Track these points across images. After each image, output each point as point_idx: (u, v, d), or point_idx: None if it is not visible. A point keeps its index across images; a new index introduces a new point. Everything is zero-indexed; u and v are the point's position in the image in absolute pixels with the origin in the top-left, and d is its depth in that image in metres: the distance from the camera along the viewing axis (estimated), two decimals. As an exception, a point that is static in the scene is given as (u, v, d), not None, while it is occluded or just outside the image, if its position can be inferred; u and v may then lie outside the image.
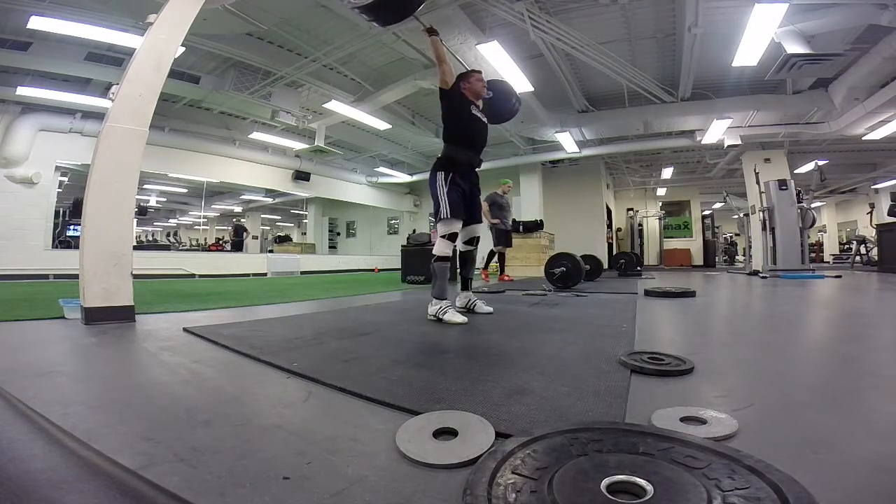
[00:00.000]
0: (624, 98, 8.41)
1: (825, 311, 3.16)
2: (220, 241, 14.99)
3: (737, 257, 17.71)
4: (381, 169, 13.72)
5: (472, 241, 3.06)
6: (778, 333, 2.23)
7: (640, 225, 15.77)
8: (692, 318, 2.84)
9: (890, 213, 9.08)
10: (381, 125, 9.15)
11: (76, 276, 2.54)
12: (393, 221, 16.95)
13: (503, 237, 6.97)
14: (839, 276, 6.84)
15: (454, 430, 0.91)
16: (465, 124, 2.86)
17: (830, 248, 18.38)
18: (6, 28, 5.85)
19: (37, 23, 5.25)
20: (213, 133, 10.20)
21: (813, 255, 13.04)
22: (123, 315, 2.54)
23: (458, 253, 3.12)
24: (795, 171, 10.59)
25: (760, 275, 7.68)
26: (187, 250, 13.86)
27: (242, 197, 15.62)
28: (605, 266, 9.81)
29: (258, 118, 9.67)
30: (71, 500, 0.32)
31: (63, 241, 9.10)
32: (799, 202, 8.04)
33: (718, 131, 8.69)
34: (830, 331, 2.40)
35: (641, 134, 9.84)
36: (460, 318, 2.51)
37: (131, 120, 2.68)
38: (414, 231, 10.58)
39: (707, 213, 16.64)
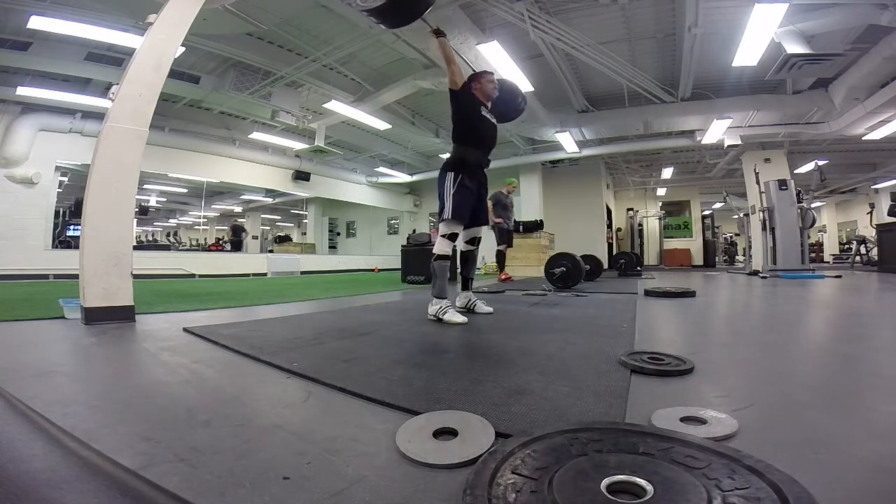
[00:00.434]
0: (624, 98, 8.41)
1: (825, 312, 3.15)
2: (220, 241, 14.99)
3: (737, 257, 17.70)
4: (381, 169, 13.72)
5: (474, 241, 3.07)
6: (778, 333, 2.23)
7: (640, 225, 15.76)
8: (692, 319, 2.84)
9: (890, 213, 9.08)
10: (381, 125, 9.15)
11: (76, 276, 2.54)
12: (393, 221, 16.95)
13: (506, 236, 6.95)
14: (839, 276, 6.84)
15: (454, 430, 0.91)
16: (476, 125, 2.87)
17: (830, 248, 18.38)
18: (6, 28, 5.85)
19: (37, 23, 5.25)
20: (213, 133, 10.20)
21: (813, 255, 13.04)
22: (123, 315, 2.54)
23: (459, 253, 3.13)
24: (795, 171, 10.59)
25: (760, 275, 7.68)
26: (187, 250, 13.86)
27: (242, 197, 15.62)
28: (605, 266, 9.81)
29: (258, 118, 9.67)
30: (71, 500, 0.32)
31: (63, 241, 9.10)
32: (799, 202, 8.04)
33: (718, 131, 8.69)
34: (830, 331, 2.40)
35: (641, 134, 9.83)
36: (460, 318, 2.51)
37: (131, 120, 2.68)
38: (414, 231, 10.59)
39: (707, 213, 16.64)
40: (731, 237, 19.36)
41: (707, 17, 5.61)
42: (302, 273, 11.55)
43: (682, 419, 0.95)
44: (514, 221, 7.45)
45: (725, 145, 9.42)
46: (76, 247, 2.76)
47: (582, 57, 6.46)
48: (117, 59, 6.58)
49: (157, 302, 3.66)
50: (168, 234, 17.71)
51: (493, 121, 2.98)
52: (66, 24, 5.33)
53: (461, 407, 1.07)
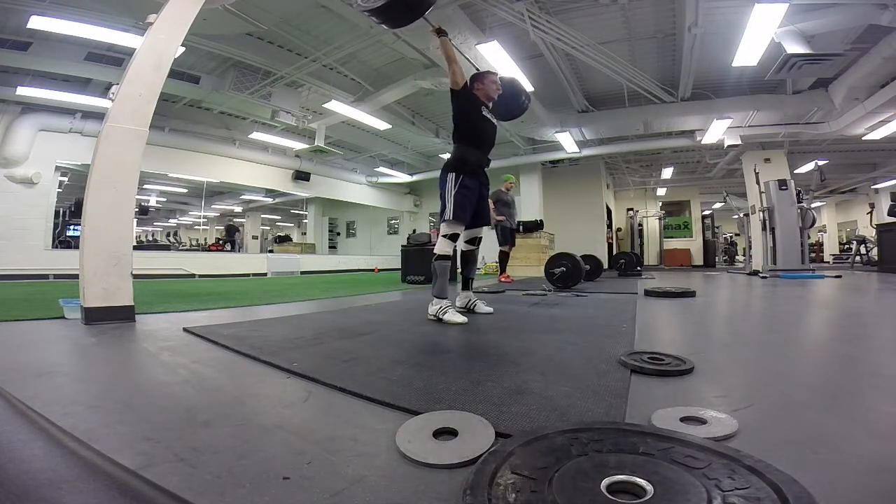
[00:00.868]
0: (624, 98, 8.41)
1: (825, 311, 3.15)
2: (220, 241, 14.99)
3: (737, 257, 17.70)
4: (381, 169, 13.72)
5: (474, 241, 3.07)
6: (778, 333, 2.23)
7: (640, 225, 15.77)
8: (692, 318, 2.84)
9: (890, 213, 9.08)
10: (381, 125, 9.15)
11: (76, 276, 2.54)
12: (393, 221, 16.95)
13: (509, 236, 6.85)
14: (839, 276, 6.84)
15: (454, 430, 0.91)
16: (476, 125, 2.87)
17: (830, 248, 18.38)
18: (6, 28, 5.85)
19: (37, 22, 5.25)
20: (213, 133, 10.20)
21: (813, 255, 13.04)
22: (123, 315, 2.54)
23: (460, 253, 3.14)
24: (795, 171, 10.59)
25: (760, 275, 7.68)
26: (187, 250, 13.86)
27: (242, 197, 15.62)
28: (605, 266, 9.81)
29: (258, 118, 9.67)
30: (71, 500, 0.32)
31: (63, 241, 9.10)
32: (799, 202, 8.03)
33: (718, 131, 8.69)
34: (830, 331, 2.40)
35: (641, 134, 9.84)
36: (460, 319, 2.51)
37: (131, 120, 2.68)
38: (414, 231, 10.58)
39: (707, 213, 16.64)
40: (731, 237, 19.37)
41: (707, 17, 5.61)
42: (302, 273, 11.55)
43: (682, 419, 0.95)
44: (517, 222, 7.39)
45: (725, 145, 9.42)
46: (76, 247, 2.76)
47: (582, 57, 6.46)
48: (117, 59, 6.58)
49: (157, 302, 3.66)
50: (168, 235, 17.72)
51: (494, 121, 2.98)
52: (66, 24, 5.33)
53: (461, 407, 1.07)
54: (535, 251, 9.12)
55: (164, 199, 15.19)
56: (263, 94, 8.04)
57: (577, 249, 6.03)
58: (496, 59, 5.95)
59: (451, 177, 2.77)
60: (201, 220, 16.55)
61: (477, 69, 3.14)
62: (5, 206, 7.47)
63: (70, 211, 9.73)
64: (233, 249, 13.70)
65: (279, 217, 19.24)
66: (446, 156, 3.43)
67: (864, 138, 8.81)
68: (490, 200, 6.43)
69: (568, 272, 5.02)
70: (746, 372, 1.50)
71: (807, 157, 10.73)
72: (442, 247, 2.78)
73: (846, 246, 16.05)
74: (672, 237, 16.10)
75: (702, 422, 0.94)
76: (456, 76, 2.80)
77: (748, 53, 5.63)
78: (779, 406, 1.10)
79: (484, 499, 0.61)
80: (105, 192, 2.58)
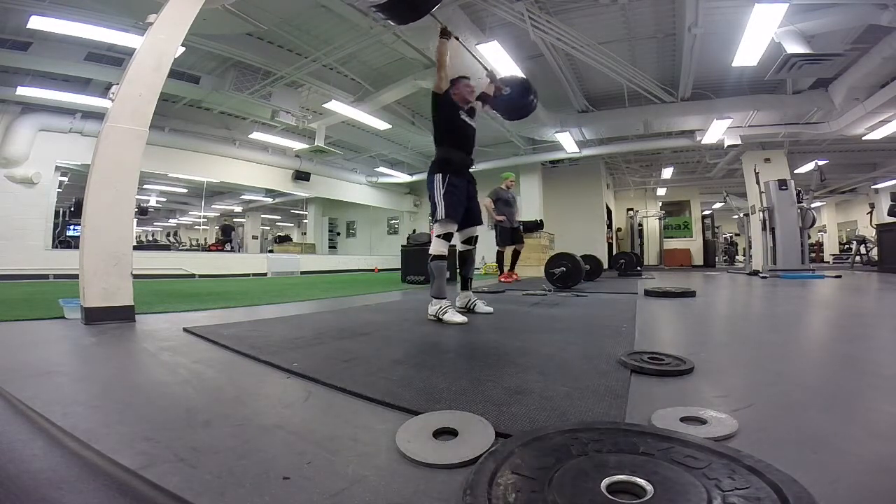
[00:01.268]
0: (624, 98, 8.41)
1: (825, 312, 3.15)
2: (220, 241, 14.99)
3: (737, 257, 17.70)
4: (381, 169, 13.72)
5: (471, 241, 3.08)
6: (778, 333, 2.23)
7: (640, 225, 15.76)
8: (692, 319, 2.84)
9: (890, 213, 9.08)
10: (381, 125, 9.15)
11: (76, 276, 2.54)
12: (393, 221, 16.95)
13: (507, 236, 6.68)
14: (839, 276, 6.84)
15: (454, 430, 0.91)
16: (457, 127, 2.91)
17: (830, 248, 18.38)
18: (6, 28, 5.85)
19: (37, 23, 5.25)
20: (213, 133, 10.20)
21: (813, 255, 13.03)
22: (123, 315, 2.54)
23: (457, 253, 3.15)
24: (795, 171, 10.58)
25: (760, 275, 7.68)
26: (187, 250, 13.86)
27: (242, 197, 15.62)
28: (605, 266, 9.81)
29: (258, 118, 9.67)
30: (71, 500, 0.32)
31: (63, 241, 9.10)
32: (799, 202, 8.03)
33: (718, 131, 8.69)
34: (830, 331, 2.40)
35: (641, 134, 9.83)
36: (460, 318, 2.52)
37: (131, 120, 2.68)
38: (414, 231, 10.58)
39: (707, 213, 16.64)
40: (731, 237, 19.37)
41: (707, 17, 5.60)
42: (302, 273, 11.55)
43: (682, 419, 0.96)
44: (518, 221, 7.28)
45: (725, 145, 9.42)
46: (76, 247, 2.76)
47: (582, 57, 6.46)
48: (117, 59, 6.58)
49: (156, 302, 3.66)
50: (168, 235, 17.71)
51: (473, 125, 3.00)
52: (66, 24, 5.33)
53: (461, 407, 1.07)
54: (535, 251, 9.12)
55: (164, 199, 15.19)
56: (263, 94, 8.04)
57: (577, 249, 6.03)
58: (496, 59, 5.95)
59: (438, 177, 2.80)
60: (201, 221, 16.55)
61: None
62: (5, 206, 7.47)
63: (70, 211, 9.73)
64: (229, 249, 13.68)
65: (279, 217, 19.23)
66: None
67: (864, 138, 8.81)
68: (490, 199, 6.44)
69: (568, 272, 5.02)
70: (746, 372, 1.50)
71: (807, 157, 10.73)
72: (437, 247, 2.80)
73: (846, 246, 16.04)
74: (672, 237, 16.10)
75: (702, 422, 0.94)
76: (441, 81, 2.84)
77: (748, 53, 5.63)
78: (779, 406, 1.10)
79: (484, 499, 0.61)
80: (105, 192, 2.58)
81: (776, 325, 2.50)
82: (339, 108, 8.16)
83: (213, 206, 16.42)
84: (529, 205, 11.73)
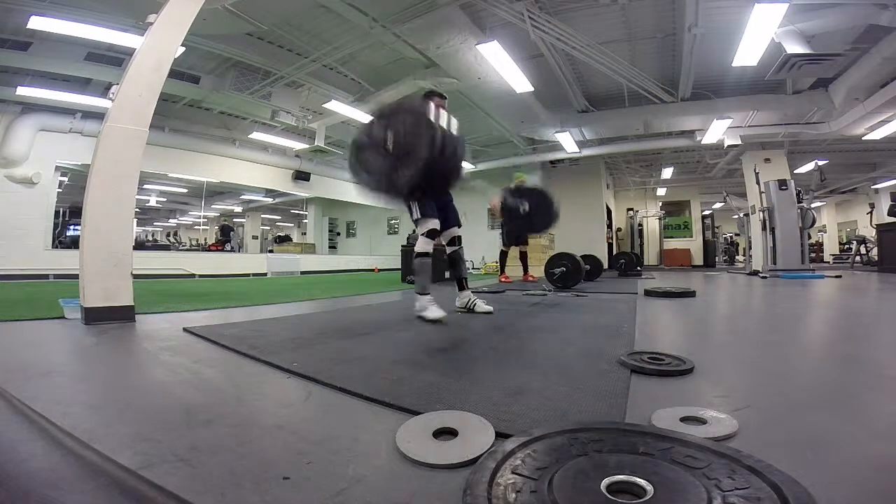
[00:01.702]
0: (624, 98, 8.41)
1: (825, 311, 3.15)
2: (219, 242, 14.98)
3: (737, 257, 17.70)
4: (382, 169, 13.69)
5: (455, 241, 3.08)
6: (778, 333, 2.23)
7: (640, 225, 15.75)
8: (692, 318, 2.84)
9: (890, 213, 9.07)
10: (382, 125, 9.14)
11: (76, 276, 2.54)
12: (393, 222, 16.94)
13: (512, 236, 6.60)
14: (839, 276, 6.84)
15: (454, 430, 0.91)
16: None
17: (830, 248, 18.37)
18: (6, 28, 5.85)
19: (37, 23, 5.25)
20: (213, 133, 10.20)
21: (813, 255, 13.03)
22: (123, 315, 2.54)
23: (447, 256, 3.17)
24: (795, 171, 10.58)
25: (760, 275, 7.68)
26: (187, 250, 13.85)
27: (242, 197, 15.61)
28: (606, 266, 9.81)
29: (258, 118, 9.67)
30: (71, 500, 0.33)
31: (63, 242, 9.10)
32: (799, 202, 8.03)
33: (718, 131, 8.69)
34: (830, 331, 2.40)
35: (641, 134, 9.83)
36: (438, 314, 2.55)
37: (131, 120, 2.68)
38: (414, 231, 10.56)
39: (707, 213, 16.63)
40: (731, 237, 19.36)
41: (707, 17, 5.60)
42: (302, 273, 11.55)
43: (682, 419, 0.95)
44: None
45: (725, 145, 9.42)
46: (76, 247, 2.75)
47: (582, 57, 6.46)
48: (117, 59, 6.57)
49: (157, 302, 3.66)
50: (168, 235, 17.71)
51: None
52: (66, 24, 5.33)
53: (461, 407, 1.07)
54: (536, 251, 9.10)
55: (164, 199, 15.18)
56: (263, 94, 8.04)
57: (577, 249, 6.02)
58: (496, 59, 5.96)
59: None
60: (201, 220, 16.54)
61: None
62: (5, 206, 7.47)
63: (70, 211, 9.73)
64: (229, 249, 13.68)
65: (279, 217, 19.23)
66: None
67: (864, 138, 8.81)
68: (498, 199, 6.41)
69: (568, 272, 5.02)
70: (746, 372, 1.50)
71: (807, 157, 10.72)
72: (421, 245, 2.83)
73: (846, 246, 16.04)
74: (672, 237, 16.09)
75: (702, 422, 0.94)
76: None
77: (748, 53, 5.63)
78: (779, 406, 1.10)
79: (484, 499, 0.61)
80: (105, 192, 2.58)
81: (776, 325, 2.50)
82: (339, 108, 8.16)
83: (213, 206, 16.42)
84: (529, 205, 11.69)
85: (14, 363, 1.59)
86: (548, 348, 1.79)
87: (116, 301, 2.53)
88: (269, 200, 16.19)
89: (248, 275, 10.26)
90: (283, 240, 16.42)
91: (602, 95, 8.64)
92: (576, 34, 5.99)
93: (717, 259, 16.01)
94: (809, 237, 9.11)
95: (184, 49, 5.05)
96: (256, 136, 10.09)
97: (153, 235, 17.99)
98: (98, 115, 7.52)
